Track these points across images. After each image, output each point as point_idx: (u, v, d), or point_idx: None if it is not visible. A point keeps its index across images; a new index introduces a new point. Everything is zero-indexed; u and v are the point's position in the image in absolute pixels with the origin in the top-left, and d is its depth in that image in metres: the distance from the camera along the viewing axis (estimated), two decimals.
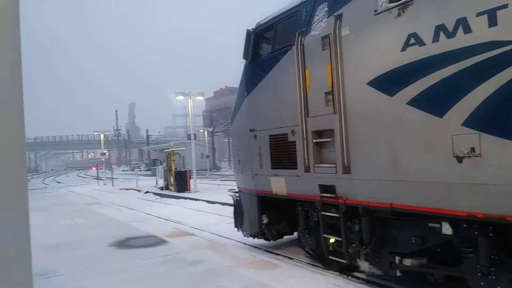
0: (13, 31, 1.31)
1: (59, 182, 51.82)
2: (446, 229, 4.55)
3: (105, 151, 42.01)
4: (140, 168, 70.54)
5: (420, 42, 4.43)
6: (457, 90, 4.07)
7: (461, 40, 4.02)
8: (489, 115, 3.84)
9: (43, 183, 51.22)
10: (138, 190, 27.88)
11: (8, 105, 1.26)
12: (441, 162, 4.27)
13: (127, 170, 79.53)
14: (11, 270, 1.24)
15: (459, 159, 4.09)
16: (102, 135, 44.97)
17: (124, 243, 9.42)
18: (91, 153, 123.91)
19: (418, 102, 4.45)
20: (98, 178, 41.73)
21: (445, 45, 4.17)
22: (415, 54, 4.47)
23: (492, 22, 3.77)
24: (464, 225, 4.38)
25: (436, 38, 4.27)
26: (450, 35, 4.13)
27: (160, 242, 9.34)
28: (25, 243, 1.31)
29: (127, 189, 30.24)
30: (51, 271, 7.07)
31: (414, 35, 4.49)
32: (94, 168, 55.42)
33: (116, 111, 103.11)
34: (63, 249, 9.10)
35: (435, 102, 4.28)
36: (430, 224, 4.74)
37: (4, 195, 1.22)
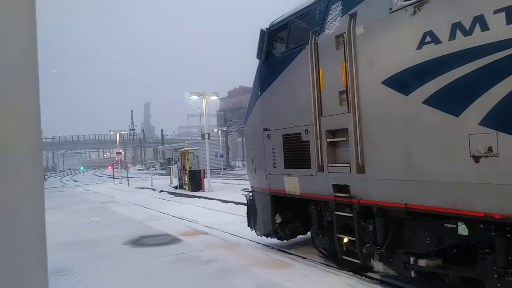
0: (29, 29, 1.33)
1: (76, 181, 52.59)
2: (462, 229, 4.48)
3: (120, 151, 42.37)
4: (155, 167, 71.11)
5: (436, 40, 4.37)
6: (474, 89, 4.00)
7: (478, 38, 3.95)
8: (507, 114, 3.77)
9: (60, 181, 52.03)
10: (153, 189, 28.12)
11: (24, 104, 1.28)
12: (457, 161, 4.21)
13: (142, 169, 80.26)
14: (27, 267, 1.26)
15: (476, 159, 4.03)
16: (118, 135, 45.46)
17: (139, 241, 9.52)
18: (107, 152, 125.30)
19: (434, 101, 4.39)
20: (114, 177, 42.21)
21: (462, 43, 4.10)
22: (431, 52, 4.41)
23: (510, 19, 3.70)
24: (481, 226, 4.31)
25: (452, 36, 4.20)
26: (467, 33, 4.06)
27: (174, 240, 9.40)
28: (41, 241, 1.33)
29: (142, 188, 30.54)
30: (67, 268, 7.18)
31: (430, 33, 4.43)
32: (109, 167, 56.12)
33: (132, 111, 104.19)
34: (79, 246, 9.23)
35: (452, 101, 4.22)
36: (446, 225, 4.67)
37: (20, 193, 1.24)
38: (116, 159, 43.39)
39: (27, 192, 1.24)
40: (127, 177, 39.53)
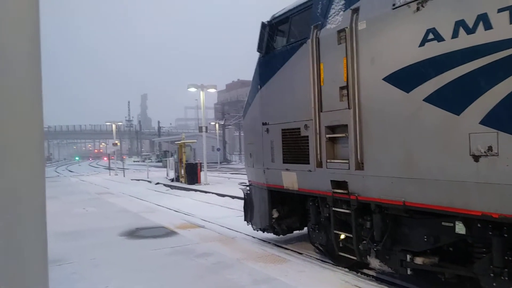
0: (32, 22, 1.31)
1: (71, 171, 52.46)
2: (460, 228, 4.49)
3: (117, 142, 42.23)
4: (151, 159, 71.02)
5: (439, 38, 4.35)
6: (475, 88, 3.99)
7: (482, 37, 3.93)
8: (508, 114, 3.76)
9: (55, 171, 51.90)
10: (149, 181, 28.08)
11: (27, 95, 1.26)
12: (457, 160, 4.21)
13: (138, 161, 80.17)
14: (28, 257, 1.25)
15: (476, 158, 4.02)
16: (114, 126, 45.28)
17: (135, 233, 9.50)
18: (103, 143, 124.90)
19: (435, 99, 4.38)
20: (109, 168, 42.14)
21: (465, 41, 4.08)
22: (434, 50, 4.39)
23: None
24: (478, 225, 4.32)
25: (455, 34, 4.18)
26: (470, 31, 4.04)
27: (170, 233, 9.39)
28: (42, 231, 1.32)
29: (138, 179, 30.50)
30: (62, 259, 7.16)
31: (433, 30, 4.40)
32: (105, 158, 56.02)
33: (129, 102, 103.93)
34: (74, 237, 9.20)
35: (453, 99, 4.20)
36: (443, 223, 4.68)
37: (22, 183, 1.23)
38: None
39: (29, 182, 1.22)
40: (123, 168, 39.42)
